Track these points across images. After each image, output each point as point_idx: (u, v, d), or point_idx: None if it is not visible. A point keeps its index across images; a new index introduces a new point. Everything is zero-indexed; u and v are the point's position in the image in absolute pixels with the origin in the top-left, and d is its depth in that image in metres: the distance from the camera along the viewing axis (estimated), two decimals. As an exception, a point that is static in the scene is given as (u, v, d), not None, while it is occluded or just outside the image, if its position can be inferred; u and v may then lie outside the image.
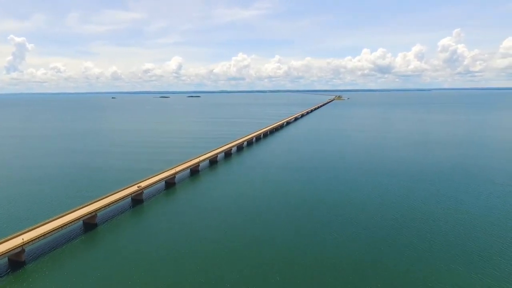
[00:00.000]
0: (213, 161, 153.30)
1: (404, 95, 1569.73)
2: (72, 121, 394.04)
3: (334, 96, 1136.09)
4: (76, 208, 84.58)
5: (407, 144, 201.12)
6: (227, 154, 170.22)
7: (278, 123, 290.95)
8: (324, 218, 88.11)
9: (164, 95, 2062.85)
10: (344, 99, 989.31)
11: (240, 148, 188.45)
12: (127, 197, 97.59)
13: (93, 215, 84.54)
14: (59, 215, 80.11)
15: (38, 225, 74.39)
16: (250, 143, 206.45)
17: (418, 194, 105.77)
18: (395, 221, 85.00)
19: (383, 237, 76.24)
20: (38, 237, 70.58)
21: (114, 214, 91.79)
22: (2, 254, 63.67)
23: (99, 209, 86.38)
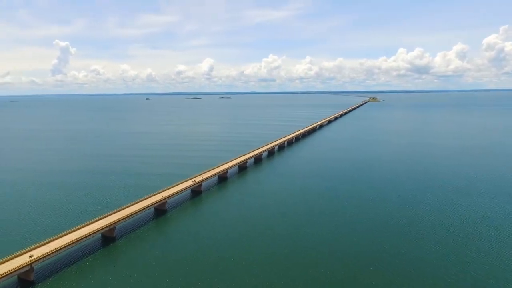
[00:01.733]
0: (242, 167, 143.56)
1: (444, 97, 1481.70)
2: (99, 121, 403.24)
3: (368, 98, 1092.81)
4: (93, 220, 77.63)
5: (451, 151, 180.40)
6: (257, 159, 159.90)
7: (311, 126, 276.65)
8: (361, 233, 78.38)
9: (196, 96, 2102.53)
10: (379, 101, 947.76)
11: (271, 153, 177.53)
12: (149, 207, 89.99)
13: (111, 228, 77.37)
14: (73, 228, 73.37)
15: (49, 239, 67.72)
16: (281, 147, 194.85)
17: (468, 210, 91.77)
18: (444, 238, 74.30)
19: (428, 259, 66.13)
20: (50, 254, 63.79)
21: (134, 226, 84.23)
22: (7, 274, 57.25)
23: (118, 221, 79.04)
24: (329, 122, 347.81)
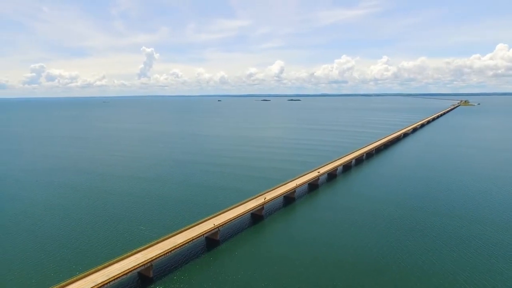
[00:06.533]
0: (313, 185, 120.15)
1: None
2: (172, 123, 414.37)
3: (458, 101, 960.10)
4: (127, 255, 63.27)
5: None
6: (331, 175, 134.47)
7: (394, 135, 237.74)
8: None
9: (265, 98, 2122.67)
10: (473, 105, 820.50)
11: (347, 167, 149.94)
12: (199, 237, 73.22)
13: (148, 266, 62.08)
14: (102, 266, 59.52)
15: (68, 281, 54.37)
16: (359, 160, 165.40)
17: None
18: None
19: None
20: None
21: (178, 262, 68.08)
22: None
23: (156, 257, 63.46)
24: (414, 130, 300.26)
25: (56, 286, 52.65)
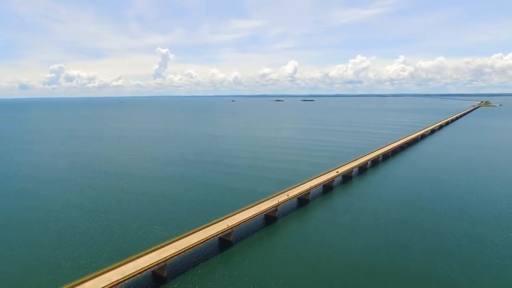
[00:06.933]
0: (328, 187, 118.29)
1: None
2: (185, 123, 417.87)
3: (479, 102, 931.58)
4: (141, 254, 63.60)
5: None
6: (346, 177, 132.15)
7: (411, 136, 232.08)
8: None
9: (279, 98, 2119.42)
10: (494, 106, 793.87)
11: (363, 169, 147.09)
12: (213, 237, 72.97)
13: (162, 265, 62.22)
14: (116, 264, 59.99)
15: (82, 280, 54.98)
16: (375, 162, 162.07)
17: None
18: None
19: None
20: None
21: (191, 262, 68.03)
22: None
23: (171, 256, 63.57)
24: (432, 131, 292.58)
25: (72, 284, 53.34)
